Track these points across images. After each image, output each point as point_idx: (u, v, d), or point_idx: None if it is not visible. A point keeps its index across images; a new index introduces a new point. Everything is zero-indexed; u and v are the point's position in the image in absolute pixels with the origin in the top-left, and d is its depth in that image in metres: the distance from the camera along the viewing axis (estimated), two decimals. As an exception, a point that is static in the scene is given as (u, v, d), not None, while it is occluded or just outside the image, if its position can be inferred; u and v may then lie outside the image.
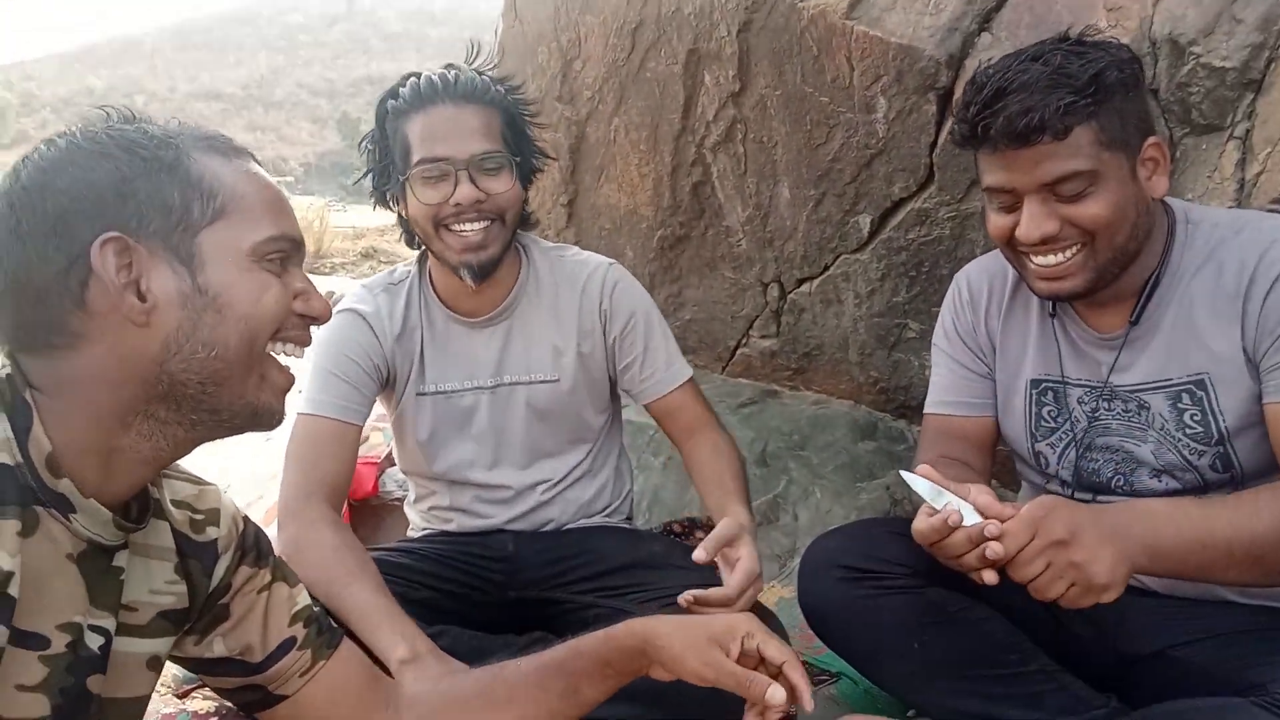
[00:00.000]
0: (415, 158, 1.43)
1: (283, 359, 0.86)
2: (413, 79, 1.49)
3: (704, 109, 2.38)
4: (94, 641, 0.79)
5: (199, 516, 0.93)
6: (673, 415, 1.65)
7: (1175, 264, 1.23)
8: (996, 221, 1.23)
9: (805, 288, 2.47)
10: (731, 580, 1.29)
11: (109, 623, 0.81)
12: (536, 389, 1.61)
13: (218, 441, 0.87)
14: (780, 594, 1.98)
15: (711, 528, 2.11)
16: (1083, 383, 1.32)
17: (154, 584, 0.87)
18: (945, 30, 1.87)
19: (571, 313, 1.61)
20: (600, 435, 1.70)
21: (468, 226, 1.44)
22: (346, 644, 1.05)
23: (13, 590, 0.69)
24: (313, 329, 0.88)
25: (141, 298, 0.75)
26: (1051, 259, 1.19)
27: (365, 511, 2.28)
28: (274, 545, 1.06)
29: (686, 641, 0.96)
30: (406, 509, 1.80)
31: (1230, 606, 1.26)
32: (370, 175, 1.56)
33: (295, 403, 1.53)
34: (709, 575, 1.63)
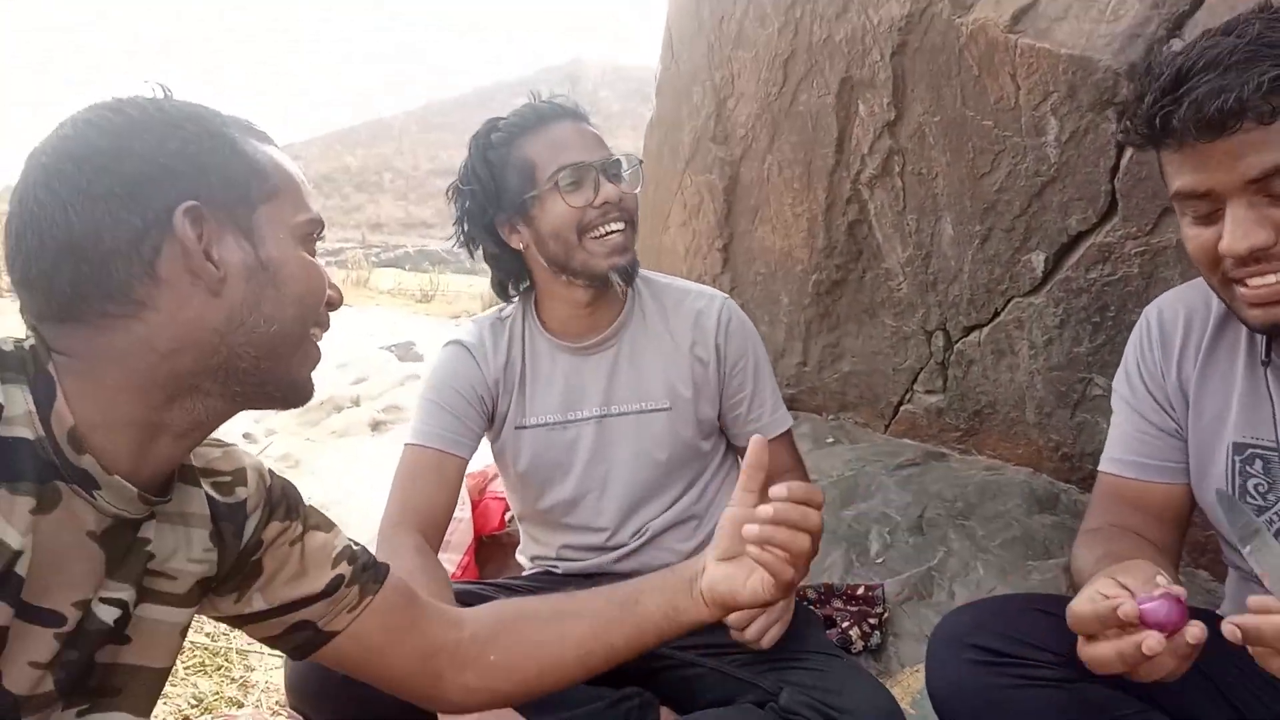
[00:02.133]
0: (551, 168, 1.43)
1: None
2: (516, 110, 1.51)
3: (858, 141, 2.22)
4: (107, 614, 0.77)
5: (226, 478, 0.92)
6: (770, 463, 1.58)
7: None
8: (1194, 237, 0.99)
9: (973, 336, 2.21)
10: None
11: (127, 593, 0.79)
12: (646, 419, 1.55)
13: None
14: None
15: (851, 595, 1.91)
16: None
17: (193, 552, 0.86)
18: (1125, 37, 1.63)
19: (684, 341, 1.56)
20: (710, 473, 1.62)
21: (613, 226, 1.44)
22: (395, 577, 1.03)
23: (19, 569, 0.68)
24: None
25: (216, 267, 0.76)
26: (1270, 279, 0.94)
27: (493, 547, 2.25)
28: None
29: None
30: (519, 555, 1.76)
31: None
32: (468, 216, 1.54)
33: (403, 434, 1.55)
34: (823, 639, 1.46)
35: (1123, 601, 0.84)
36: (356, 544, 1.02)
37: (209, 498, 0.89)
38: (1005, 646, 1.13)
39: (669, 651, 1.43)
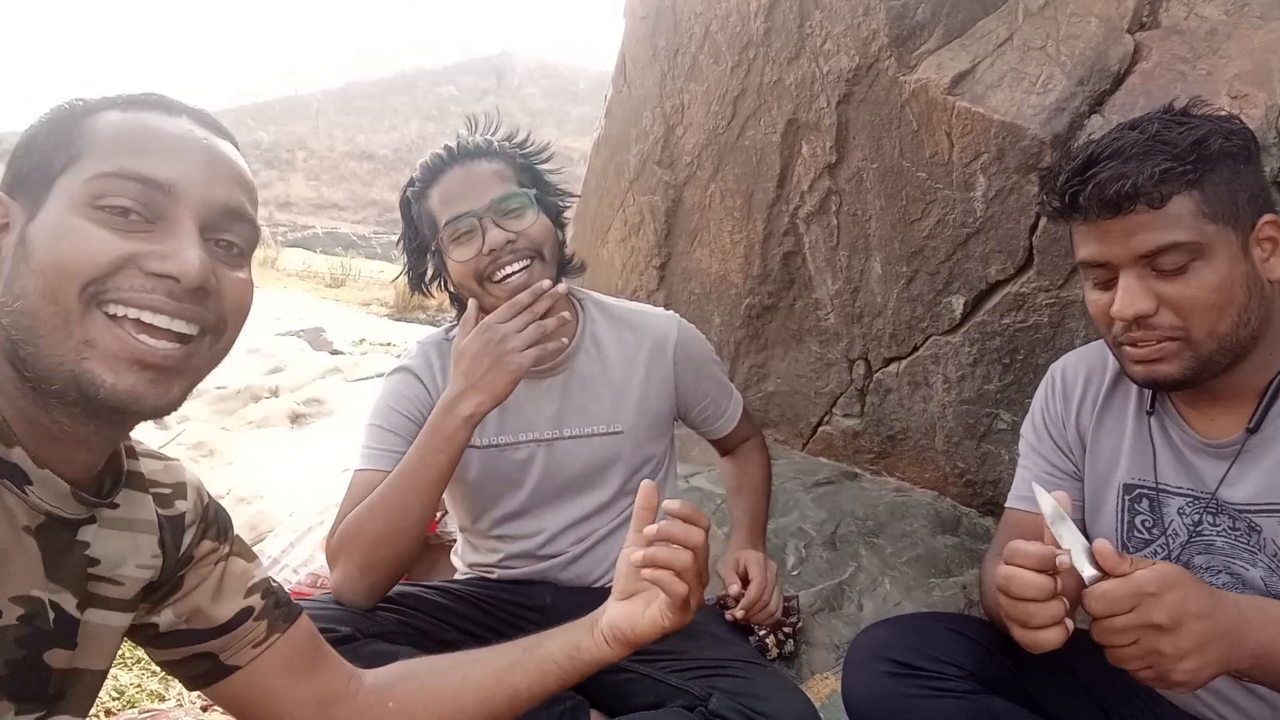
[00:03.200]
0: (442, 222, 1.47)
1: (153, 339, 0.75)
2: (422, 161, 1.55)
3: (799, 179, 2.35)
4: (52, 616, 0.77)
5: (166, 491, 0.92)
6: (727, 441, 1.84)
7: None
8: (1094, 300, 1.13)
9: (893, 367, 2.37)
10: (750, 589, 1.56)
11: (65, 598, 0.78)
12: (597, 442, 1.59)
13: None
14: (834, 686, 1.84)
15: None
16: (1184, 492, 1.18)
17: (141, 558, 0.86)
18: (1052, 110, 1.79)
19: (636, 363, 1.61)
20: (658, 470, 1.68)
21: (508, 270, 1.45)
22: (304, 618, 1.02)
23: None
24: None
25: None
26: (1151, 343, 1.07)
27: (422, 550, 2.28)
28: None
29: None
30: (453, 558, 1.79)
31: None
32: (408, 269, 1.61)
33: (324, 429, 1.56)
34: (746, 648, 1.55)
35: (1060, 555, 0.93)
36: (275, 581, 1.02)
37: (161, 512, 0.89)
38: (916, 660, 1.24)
39: None
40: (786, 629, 1.97)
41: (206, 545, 0.96)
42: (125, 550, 0.84)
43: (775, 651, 1.93)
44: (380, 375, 3.51)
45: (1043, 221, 1.86)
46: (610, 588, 1.58)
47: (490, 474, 1.59)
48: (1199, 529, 1.16)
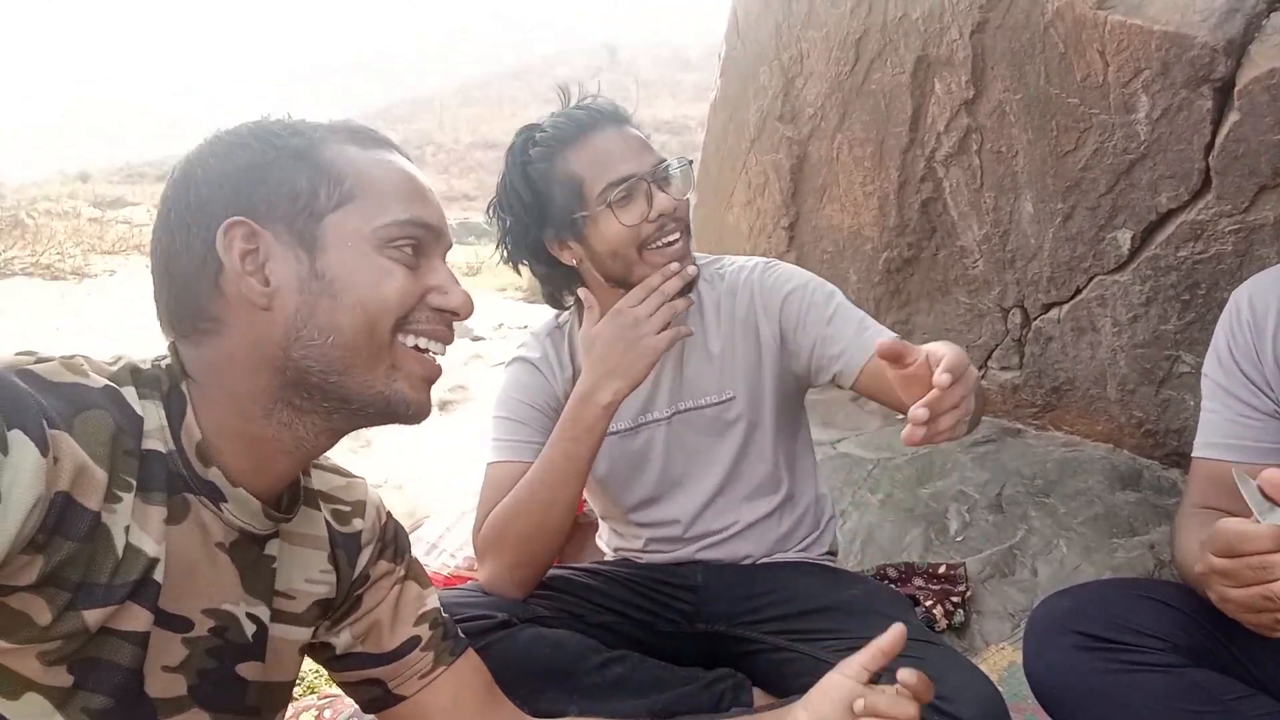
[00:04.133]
0: (600, 185, 1.36)
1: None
2: (552, 120, 1.43)
3: (934, 119, 2.20)
4: (249, 629, 0.81)
5: (345, 508, 0.94)
6: (881, 378, 1.34)
7: None
8: None
9: (1053, 314, 2.20)
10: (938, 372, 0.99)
11: (263, 610, 0.83)
12: (710, 412, 1.53)
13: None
14: (1011, 658, 1.74)
15: (933, 574, 1.91)
16: None
17: (309, 573, 0.89)
18: (1223, 13, 1.59)
19: (736, 322, 1.52)
20: (793, 457, 1.59)
21: (671, 237, 1.38)
22: (471, 655, 1.03)
23: (157, 575, 0.71)
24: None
25: (266, 282, 0.75)
26: None
27: (571, 529, 2.30)
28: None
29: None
30: (599, 542, 1.79)
31: None
32: (511, 235, 1.48)
33: (469, 415, 1.56)
34: (915, 622, 1.46)
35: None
36: (445, 613, 1.03)
37: (327, 523, 0.91)
38: (1108, 632, 1.14)
39: (759, 636, 1.45)
40: (955, 598, 1.88)
41: (383, 565, 0.97)
42: (297, 564, 0.87)
43: (944, 623, 1.84)
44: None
45: (1220, 139, 1.67)
46: (768, 564, 1.55)
47: (618, 461, 1.56)
48: None
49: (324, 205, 0.77)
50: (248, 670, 0.81)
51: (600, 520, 1.75)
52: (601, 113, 1.40)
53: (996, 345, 2.39)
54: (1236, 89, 1.60)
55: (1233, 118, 1.62)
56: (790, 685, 1.38)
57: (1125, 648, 1.12)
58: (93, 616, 0.67)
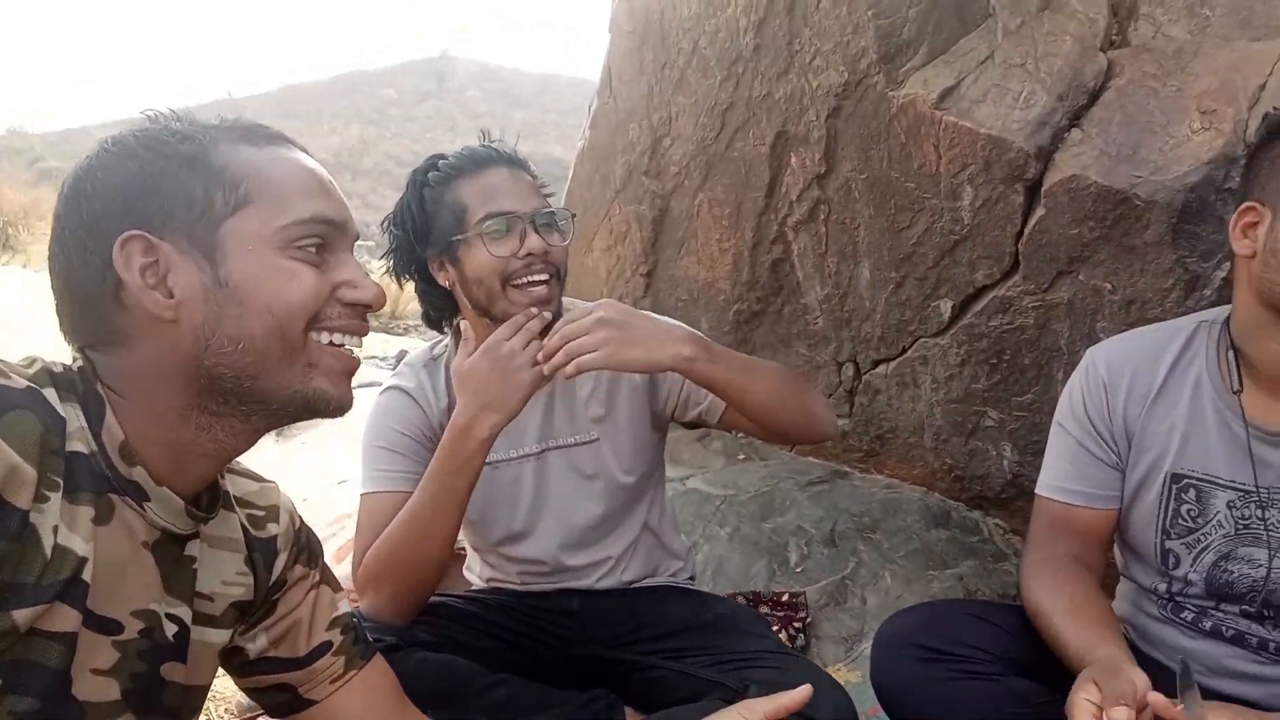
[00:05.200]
0: (479, 214, 1.43)
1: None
2: (456, 152, 1.52)
3: (788, 189, 2.43)
4: (170, 629, 0.81)
5: (260, 513, 0.95)
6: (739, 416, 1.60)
7: None
8: None
9: (881, 369, 2.47)
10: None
11: (184, 611, 0.83)
12: (580, 450, 1.60)
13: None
14: (846, 677, 1.92)
15: (777, 601, 2.08)
16: (1236, 486, 1.24)
17: (226, 575, 0.89)
18: (1035, 124, 1.90)
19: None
20: (656, 492, 1.70)
21: (537, 277, 1.44)
22: (380, 660, 1.05)
23: (86, 575, 0.71)
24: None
25: (170, 294, 0.75)
26: None
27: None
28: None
29: None
30: (466, 573, 1.81)
31: None
32: (398, 249, 1.54)
33: (356, 487, 1.56)
34: (775, 640, 1.60)
35: None
36: (354, 615, 1.05)
37: (243, 527, 0.92)
38: (944, 645, 1.31)
39: (632, 657, 1.54)
40: (797, 623, 2.06)
41: (299, 570, 0.98)
42: (214, 566, 0.88)
43: (788, 645, 2.01)
44: (364, 385, 3.50)
45: (1028, 229, 1.97)
46: (638, 589, 1.65)
47: (487, 494, 1.59)
48: (1247, 522, 1.23)
49: (221, 211, 0.76)
50: (169, 671, 0.82)
51: (470, 550, 1.79)
52: (501, 155, 1.49)
53: (830, 395, 2.64)
54: (1044, 188, 1.90)
55: (1039, 212, 1.93)
56: (664, 701, 1.46)
57: (958, 659, 1.29)
58: (21, 616, 0.67)
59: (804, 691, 1.08)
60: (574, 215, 1.53)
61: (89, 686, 0.74)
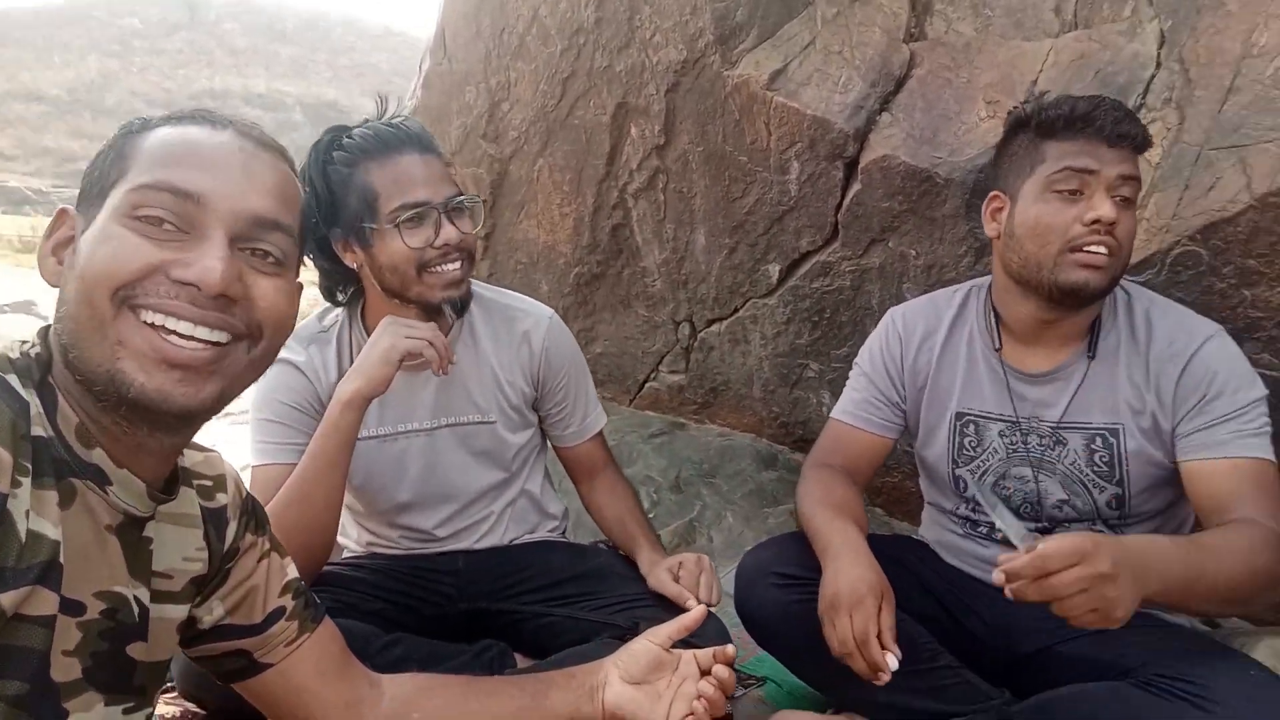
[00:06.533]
0: (394, 204, 1.45)
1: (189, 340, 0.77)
2: (362, 130, 1.52)
3: (628, 157, 2.56)
4: (135, 610, 0.82)
5: (208, 483, 0.95)
6: (580, 460, 1.84)
7: (1116, 319, 1.46)
8: (1055, 210, 1.37)
9: (716, 327, 2.67)
10: (700, 593, 1.53)
11: (143, 592, 0.84)
12: (473, 430, 1.68)
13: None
14: (698, 609, 2.13)
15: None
16: (1005, 418, 1.51)
17: (186, 551, 0.90)
18: (853, 108, 2.13)
19: (510, 357, 1.70)
20: (537, 460, 1.82)
21: (450, 265, 1.50)
22: (329, 621, 1.08)
23: (61, 558, 0.72)
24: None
25: (60, 262, 0.79)
26: (1103, 249, 1.35)
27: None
28: None
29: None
30: (341, 539, 1.82)
31: None
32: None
33: (249, 459, 1.55)
34: (646, 586, 1.73)
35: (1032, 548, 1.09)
36: (300, 578, 1.06)
37: (203, 504, 0.93)
38: (797, 572, 1.50)
39: (518, 607, 1.65)
40: (653, 565, 2.24)
41: (249, 538, 0.99)
42: (174, 543, 0.88)
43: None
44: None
45: (847, 201, 2.21)
46: (518, 545, 1.75)
47: (375, 464, 1.64)
48: (1014, 448, 1.51)
49: (108, 185, 0.78)
50: (136, 650, 0.83)
51: (348, 517, 1.81)
52: (409, 136, 1.50)
53: (668, 352, 2.83)
54: (860, 166, 2.14)
55: (856, 187, 2.17)
56: (554, 645, 1.57)
57: (806, 582, 1.47)
58: (6, 600, 0.68)
59: (700, 612, 1.21)
60: (484, 200, 1.57)
61: (60, 667, 0.75)
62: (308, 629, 1.04)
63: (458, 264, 1.51)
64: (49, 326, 0.80)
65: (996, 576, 1.12)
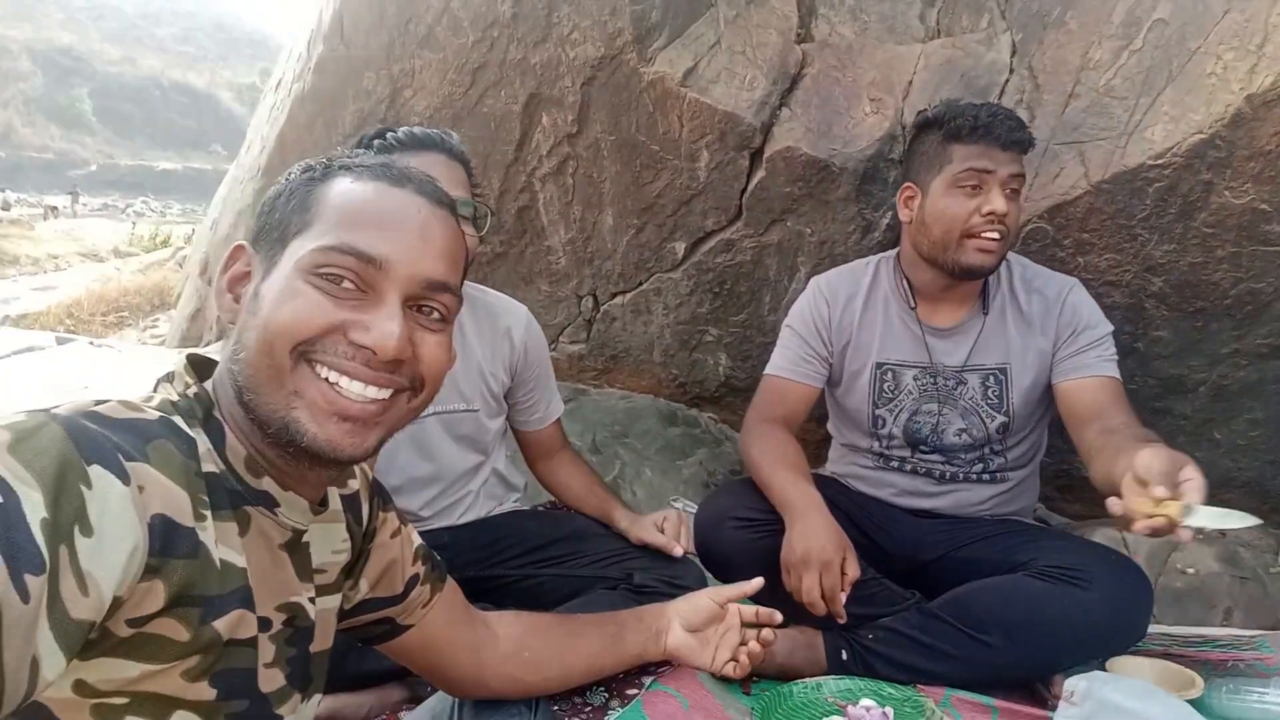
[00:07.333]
0: None
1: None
2: (395, 132, 1.65)
3: (538, 144, 2.71)
4: (310, 611, 0.89)
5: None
6: (542, 442, 2.00)
7: (1000, 282, 1.85)
8: (959, 202, 1.72)
9: (619, 300, 2.91)
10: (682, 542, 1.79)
11: (311, 592, 0.90)
12: (458, 417, 1.82)
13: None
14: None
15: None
16: (919, 364, 1.88)
17: (334, 544, 0.96)
18: (758, 104, 2.43)
19: (492, 350, 1.85)
20: (499, 443, 1.97)
21: None
22: (450, 579, 1.17)
23: (251, 583, 0.78)
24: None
25: (237, 300, 0.84)
26: (996, 235, 1.71)
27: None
28: None
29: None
30: None
31: (981, 521, 1.87)
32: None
33: None
34: (627, 542, 1.89)
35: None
36: (424, 542, 1.13)
37: (339, 493, 0.98)
38: (751, 514, 1.74)
39: (507, 572, 1.81)
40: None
41: (380, 515, 1.04)
42: (323, 540, 0.94)
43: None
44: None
45: (752, 186, 2.52)
46: (497, 515, 1.92)
47: None
48: (924, 388, 1.88)
49: (290, 233, 0.82)
50: (314, 647, 0.91)
51: None
52: (444, 144, 1.66)
53: (569, 324, 3.02)
54: (765, 155, 2.45)
55: (760, 174, 2.48)
56: (548, 602, 1.72)
57: (764, 523, 1.72)
58: (222, 626, 0.74)
59: (757, 581, 1.40)
60: (491, 212, 1.71)
61: (266, 679, 0.82)
62: (438, 589, 1.12)
63: None
64: (195, 355, 0.87)
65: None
